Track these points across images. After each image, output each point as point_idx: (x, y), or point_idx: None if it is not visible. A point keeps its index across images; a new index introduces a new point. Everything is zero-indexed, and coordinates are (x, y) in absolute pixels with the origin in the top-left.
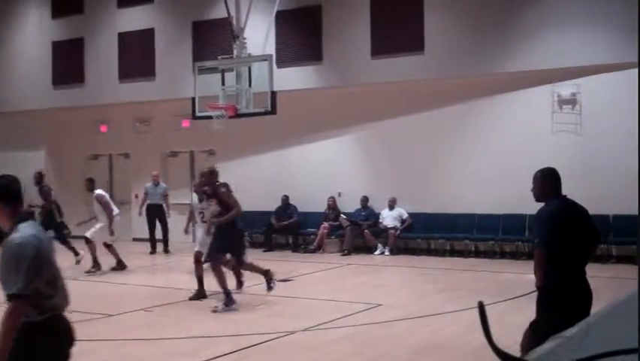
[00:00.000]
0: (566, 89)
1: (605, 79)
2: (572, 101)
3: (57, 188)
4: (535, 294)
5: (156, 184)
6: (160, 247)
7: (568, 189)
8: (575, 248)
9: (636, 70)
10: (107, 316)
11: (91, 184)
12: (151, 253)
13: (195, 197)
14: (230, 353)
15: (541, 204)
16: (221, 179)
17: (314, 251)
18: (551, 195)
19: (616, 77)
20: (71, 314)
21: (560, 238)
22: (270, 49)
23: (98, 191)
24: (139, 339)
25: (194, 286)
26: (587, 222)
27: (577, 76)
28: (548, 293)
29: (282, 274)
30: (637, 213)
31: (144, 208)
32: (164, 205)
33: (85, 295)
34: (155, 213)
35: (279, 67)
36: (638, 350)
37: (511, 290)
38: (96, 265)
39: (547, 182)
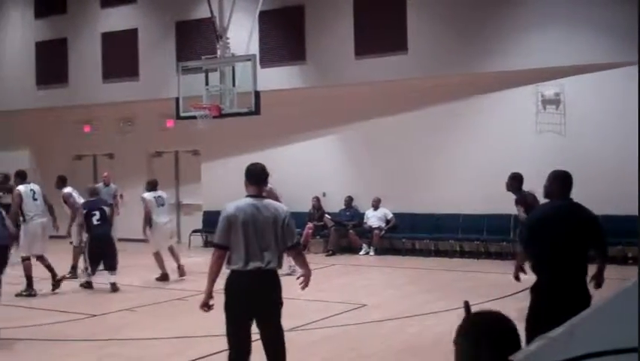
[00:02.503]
0: (549, 89)
1: (588, 79)
2: (555, 102)
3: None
4: (521, 294)
5: (106, 185)
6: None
7: None
8: (561, 250)
9: (618, 70)
10: (90, 316)
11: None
12: None
13: None
14: (215, 353)
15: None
16: (205, 179)
17: None
18: (555, 197)
19: (599, 78)
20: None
21: (541, 240)
22: (254, 49)
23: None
24: (123, 339)
25: (178, 285)
26: (584, 226)
27: (560, 76)
28: (540, 286)
29: None
30: (620, 213)
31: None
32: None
33: (68, 296)
34: None
35: (262, 67)
36: (639, 349)
37: (497, 290)
38: (73, 271)
39: (553, 183)
